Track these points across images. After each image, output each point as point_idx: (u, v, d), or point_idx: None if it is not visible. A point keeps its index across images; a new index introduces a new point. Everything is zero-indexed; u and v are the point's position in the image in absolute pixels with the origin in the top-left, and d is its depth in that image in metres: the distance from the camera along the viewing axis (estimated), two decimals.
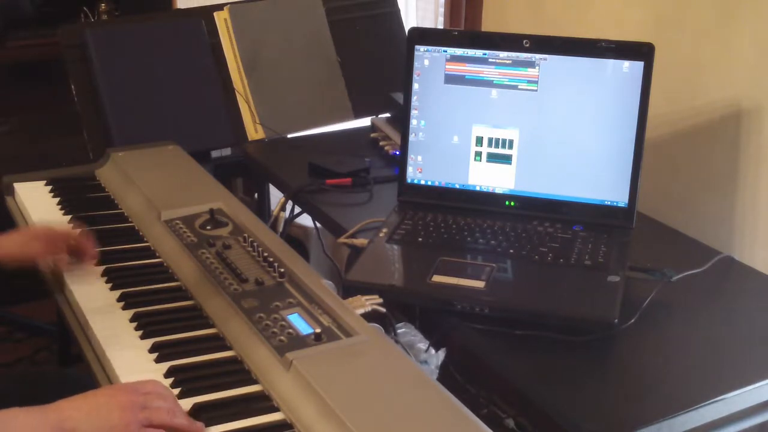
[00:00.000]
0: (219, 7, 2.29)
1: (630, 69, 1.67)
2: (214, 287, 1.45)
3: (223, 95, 2.25)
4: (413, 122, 1.81)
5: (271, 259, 1.50)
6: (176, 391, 1.25)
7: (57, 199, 1.86)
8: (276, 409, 1.21)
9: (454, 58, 1.77)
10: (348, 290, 1.51)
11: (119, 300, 1.48)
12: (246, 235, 1.59)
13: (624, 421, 1.27)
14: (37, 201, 1.86)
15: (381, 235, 1.69)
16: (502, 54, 1.74)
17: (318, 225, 2.14)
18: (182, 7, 2.75)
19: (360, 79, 2.39)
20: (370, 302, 1.43)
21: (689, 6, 1.91)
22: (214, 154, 2.27)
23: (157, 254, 1.63)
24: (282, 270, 1.46)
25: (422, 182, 1.82)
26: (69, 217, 1.77)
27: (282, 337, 1.29)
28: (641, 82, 1.66)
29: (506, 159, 1.76)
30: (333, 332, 1.30)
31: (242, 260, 1.51)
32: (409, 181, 1.82)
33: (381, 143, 2.21)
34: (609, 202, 1.71)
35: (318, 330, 1.29)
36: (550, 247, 1.63)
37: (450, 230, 1.70)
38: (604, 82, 1.68)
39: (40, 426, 1.06)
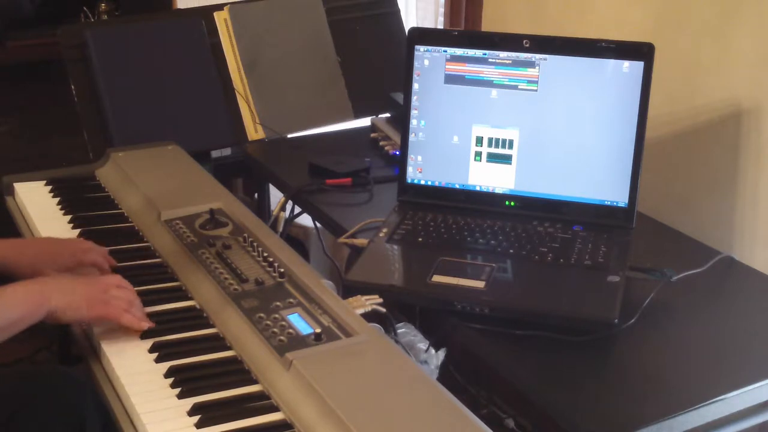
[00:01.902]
0: (219, 7, 2.29)
1: (630, 69, 1.67)
2: (214, 287, 1.45)
3: (223, 95, 2.25)
4: (413, 122, 1.81)
5: (271, 259, 1.50)
6: (176, 391, 1.25)
7: (57, 199, 1.86)
8: (276, 409, 1.21)
9: (454, 58, 1.77)
10: (348, 290, 1.51)
11: None
12: (246, 235, 1.59)
13: (624, 421, 1.27)
14: (37, 201, 1.86)
15: (381, 235, 1.69)
16: (502, 54, 1.74)
17: (318, 225, 2.14)
18: (182, 7, 2.74)
19: (360, 79, 2.39)
20: (370, 302, 1.43)
21: (689, 6, 1.91)
22: (214, 154, 2.26)
23: (157, 254, 1.63)
24: (282, 270, 1.46)
25: (422, 182, 1.82)
26: (69, 217, 1.77)
27: (282, 337, 1.29)
28: (641, 82, 1.66)
29: (506, 159, 1.76)
30: (333, 332, 1.30)
31: (242, 260, 1.51)
32: (409, 181, 1.82)
33: (381, 143, 2.21)
34: (609, 202, 1.71)
35: (318, 330, 1.29)
36: (550, 247, 1.63)
37: (450, 230, 1.70)
38: (604, 82, 1.68)
39: (31, 297, 1.34)
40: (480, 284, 1.52)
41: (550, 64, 1.71)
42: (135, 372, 1.30)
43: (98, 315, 1.36)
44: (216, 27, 2.28)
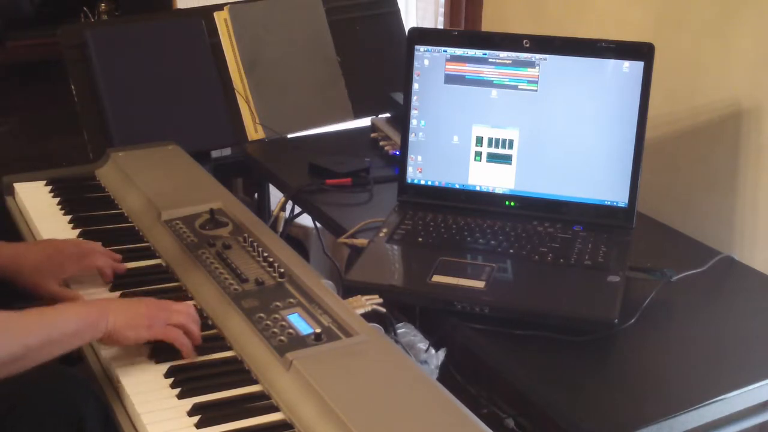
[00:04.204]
0: (219, 7, 2.29)
1: (630, 69, 1.67)
2: (214, 287, 1.45)
3: (223, 95, 2.25)
4: (413, 122, 1.81)
5: (271, 259, 1.50)
6: (176, 391, 1.25)
7: (57, 199, 1.86)
8: (276, 409, 1.21)
9: (454, 58, 1.77)
10: (348, 290, 1.51)
11: None
12: (246, 235, 1.59)
13: (624, 421, 1.27)
14: (37, 201, 1.86)
15: (381, 235, 1.69)
16: (502, 54, 1.74)
17: (318, 225, 2.14)
18: (182, 7, 2.74)
19: (360, 79, 2.39)
20: (370, 302, 1.43)
21: (689, 6, 1.91)
22: (214, 154, 2.26)
23: (157, 254, 1.63)
24: (282, 270, 1.46)
25: (422, 182, 1.82)
26: (69, 217, 1.77)
27: (282, 337, 1.29)
28: (641, 82, 1.66)
29: (506, 159, 1.76)
30: (333, 332, 1.30)
31: (242, 260, 1.51)
32: (409, 181, 1.82)
33: (381, 143, 2.21)
34: (609, 202, 1.71)
35: (318, 330, 1.29)
36: (550, 247, 1.63)
37: (450, 230, 1.70)
38: (604, 82, 1.68)
39: (89, 312, 1.30)
40: (480, 284, 1.52)
41: (550, 64, 1.71)
42: (135, 371, 1.30)
43: (158, 336, 1.32)
44: (216, 27, 2.27)
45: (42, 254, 1.54)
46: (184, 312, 1.36)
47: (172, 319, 1.34)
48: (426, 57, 1.78)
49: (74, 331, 1.27)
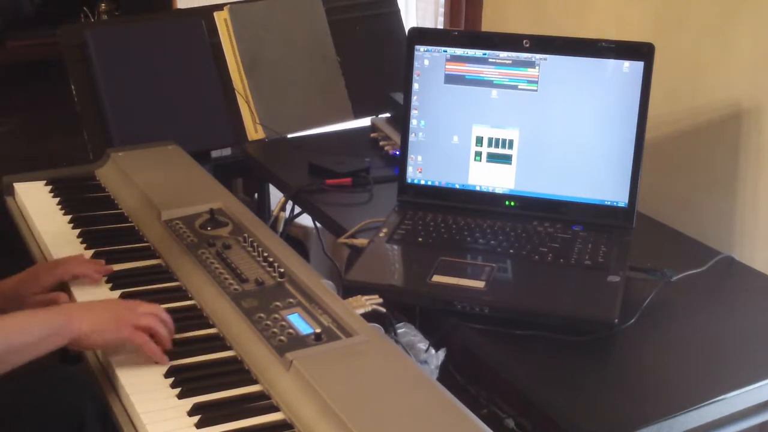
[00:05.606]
0: (219, 7, 2.29)
1: (630, 69, 1.67)
2: (214, 287, 1.45)
3: (223, 95, 2.25)
4: (413, 122, 1.81)
5: (271, 259, 1.50)
6: (176, 391, 1.25)
7: (57, 199, 1.86)
8: (276, 409, 1.21)
9: (454, 58, 1.77)
10: (348, 290, 1.51)
11: None
12: (246, 235, 1.59)
13: (624, 421, 1.27)
14: (37, 201, 1.86)
15: (381, 235, 1.69)
16: (502, 54, 1.74)
17: (318, 225, 2.14)
18: (182, 7, 2.74)
19: (360, 79, 2.39)
20: (370, 302, 1.44)
21: (689, 6, 1.91)
22: (214, 154, 2.26)
23: (157, 254, 1.63)
24: (282, 270, 1.46)
25: (422, 182, 1.82)
26: (69, 217, 1.77)
27: (282, 337, 1.29)
28: (641, 82, 1.66)
29: (506, 159, 1.76)
30: (333, 332, 1.30)
31: (242, 260, 1.51)
32: (409, 181, 1.82)
33: (381, 143, 2.21)
34: (609, 202, 1.71)
35: (318, 330, 1.29)
36: (550, 247, 1.63)
37: (450, 230, 1.70)
38: (604, 82, 1.68)
39: (52, 319, 1.28)
40: (480, 284, 1.52)
41: (550, 64, 1.71)
42: (135, 372, 1.30)
43: (125, 338, 1.30)
44: (216, 27, 2.28)
45: (19, 275, 1.53)
46: (150, 314, 1.33)
47: (140, 321, 1.31)
48: (426, 57, 1.78)
49: (38, 338, 1.25)
